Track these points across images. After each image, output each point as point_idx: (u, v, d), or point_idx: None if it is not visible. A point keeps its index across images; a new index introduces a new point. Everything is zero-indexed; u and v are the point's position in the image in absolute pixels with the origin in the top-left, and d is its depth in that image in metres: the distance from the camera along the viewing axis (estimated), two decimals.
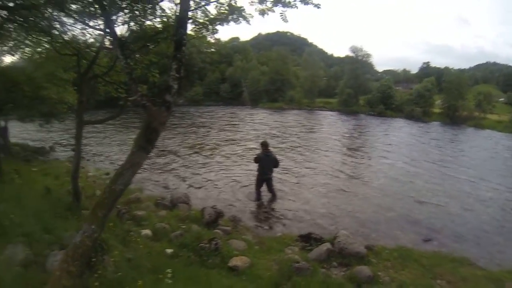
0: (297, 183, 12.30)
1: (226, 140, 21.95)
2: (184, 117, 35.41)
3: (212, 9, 5.33)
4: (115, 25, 5.02)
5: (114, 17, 4.99)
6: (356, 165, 16.29)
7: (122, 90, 7.73)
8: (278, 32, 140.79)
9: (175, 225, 6.85)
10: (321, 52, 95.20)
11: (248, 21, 5.23)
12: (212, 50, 68.54)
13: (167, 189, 11.26)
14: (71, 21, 6.04)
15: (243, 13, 5.15)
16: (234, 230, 7.52)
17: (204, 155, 16.84)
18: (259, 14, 4.85)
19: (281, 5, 4.61)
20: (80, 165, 13.56)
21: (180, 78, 3.71)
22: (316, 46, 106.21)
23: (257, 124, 32.03)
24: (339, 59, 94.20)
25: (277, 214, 9.28)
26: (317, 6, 4.53)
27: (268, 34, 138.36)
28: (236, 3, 5.05)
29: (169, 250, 5.46)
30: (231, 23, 5.43)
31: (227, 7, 5.12)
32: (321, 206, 10.03)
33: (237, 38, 78.93)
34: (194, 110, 44.77)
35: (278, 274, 5.07)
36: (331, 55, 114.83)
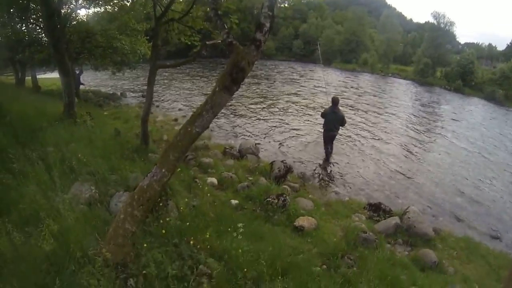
0: (364, 149, 11.53)
1: (296, 96, 21.29)
2: (258, 69, 34.98)
3: None
4: None
5: None
6: (426, 142, 14.55)
7: (197, 38, 7.49)
8: None
9: (242, 175, 6.70)
10: (400, 16, 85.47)
11: None
12: (286, 5, 66.09)
13: (236, 138, 11.18)
14: None
15: None
16: (302, 188, 7.30)
17: (276, 109, 16.51)
18: None
19: None
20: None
21: (273, 16, 3.26)
22: (394, 9, 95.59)
23: (329, 84, 30.02)
24: (418, 25, 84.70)
25: (346, 177, 8.86)
26: None
27: None
28: None
29: (234, 201, 5.29)
30: None
31: None
32: (388, 177, 9.40)
33: None
34: (267, 63, 43.76)
35: (344, 241, 4.80)
36: (410, 20, 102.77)
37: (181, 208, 4.09)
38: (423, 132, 16.33)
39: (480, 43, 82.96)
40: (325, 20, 61.30)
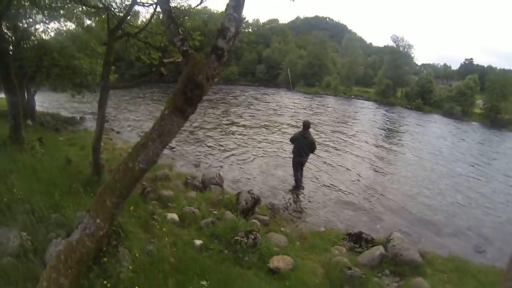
0: (335, 172, 11.24)
1: (261, 121, 20.99)
2: (219, 95, 34.80)
3: None
4: None
5: None
6: (395, 159, 14.86)
7: (157, 56, 6.90)
8: (317, 16, 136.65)
9: (206, 210, 5.96)
10: (360, 40, 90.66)
11: None
12: (249, 30, 67.93)
13: (198, 167, 10.49)
14: None
15: None
16: (273, 220, 6.65)
17: (239, 135, 15.94)
18: None
19: None
20: (108, 136, 13.37)
21: (239, 20, 2.71)
22: (355, 33, 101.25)
23: (296, 107, 30.45)
24: (377, 48, 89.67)
25: (318, 204, 8.33)
26: None
27: (306, 18, 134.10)
28: None
29: (198, 241, 4.59)
30: None
31: None
32: (363, 200, 9.06)
33: (275, 20, 76.18)
34: (228, 88, 43.91)
35: (328, 281, 4.16)
36: (370, 44, 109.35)
37: (136, 254, 3.43)
38: (388, 150, 16.70)
39: (436, 64, 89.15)
40: (288, 44, 63.16)
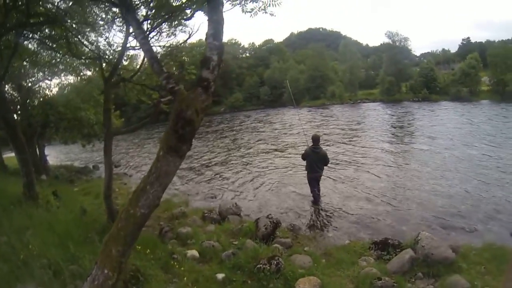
0: (351, 182, 11.05)
1: (271, 143, 21.05)
2: (225, 124, 35.13)
3: None
4: None
5: None
6: (410, 156, 14.58)
7: (157, 95, 7.12)
8: (310, 29, 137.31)
9: (226, 241, 5.93)
10: (356, 43, 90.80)
11: None
12: (247, 55, 69.29)
13: (215, 199, 10.49)
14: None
15: None
16: (295, 241, 6.52)
17: (251, 161, 15.90)
18: None
19: None
20: (122, 181, 13.58)
21: (221, 47, 2.73)
22: (350, 38, 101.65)
23: (302, 123, 30.44)
24: (374, 48, 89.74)
25: (339, 218, 8.17)
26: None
27: (300, 33, 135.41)
28: None
29: (220, 275, 4.53)
30: None
31: None
32: (383, 204, 8.85)
33: (271, 40, 77.56)
34: (234, 115, 44.31)
35: None
36: (367, 45, 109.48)
37: None
38: (401, 148, 16.51)
39: (435, 50, 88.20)
40: (287, 62, 63.72)
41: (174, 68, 6.83)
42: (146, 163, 17.86)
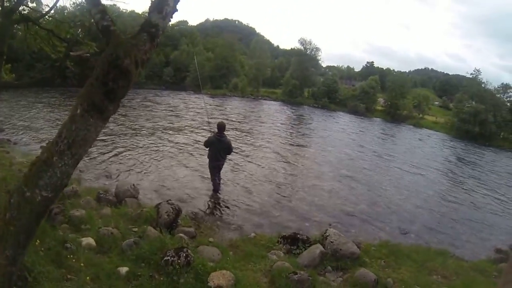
0: (250, 173, 11.12)
1: (172, 124, 20.15)
2: (126, 99, 32.37)
3: None
4: None
5: None
6: (306, 155, 15.66)
7: (62, 48, 5.78)
8: (226, 19, 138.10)
9: (125, 228, 5.06)
10: (268, 43, 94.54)
11: None
12: None
13: (111, 178, 9.32)
14: None
15: None
16: (198, 231, 6.03)
17: (149, 140, 14.80)
18: None
19: None
20: (4, 149, 11.05)
21: None
22: (263, 36, 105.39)
23: (207, 108, 30.01)
24: (284, 51, 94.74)
25: (241, 208, 8.06)
26: None
27: (216, 21, 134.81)
28: None
29: (123, 269, 3.76)
30: None
31: None
32: (284, 200, 9.13)
33: (185, 22, 74.66)
34: (135, 92, 41.56)
35: None
36: (277, 47, 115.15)
37: None
38: (298, 146, 17.77)
39: (340, 66, 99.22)
40: (196, 46, 62.33)
41: None
42: (35, 130, 14.90)
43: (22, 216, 1.81)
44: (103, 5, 2.15)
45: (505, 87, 48.10)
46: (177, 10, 2.21)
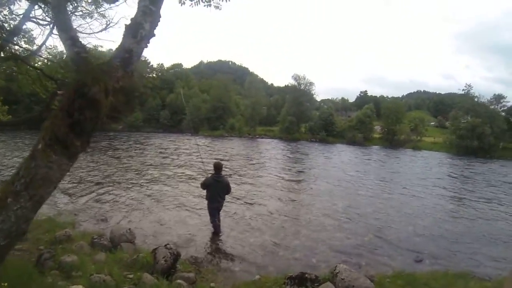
0: (250, 213, 10.71)
1: (168, 166, 20.08)
2: (125, 143, 33.55)
3: None
4: None
5: None
6: (309, 191, 15.22)
7: (54, 87, 5.71)
8: (220, 61, 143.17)
9: (119, 275, 4.72)
10: (262, 81, 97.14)
11: None
12: (154, 75, 67.83)
13: (106, 222, 9.08)
14: None
15: None
16: (199, 276, 5.67)
17: (146, 183, 14.63)
18: None
19: None
20: None
21: (158, 16, 1.99)
22: (257, 76, 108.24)
23: (200, 150, 30.14)
24: (279, 88, 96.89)
25: (243, 250, 7.66)
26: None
27: (210, 63, 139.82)
28: None
29: None
30: None
31: None
32: (288, 238, 8.68)
33: (179, 65, 77.53)
34: (133, 136, 41.94)
35: None
36: (271, 85, 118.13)
37: None
38: (299, 182, 17.31)
39: (335, 98, 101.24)
40: (191, 89, 64.14)
41: None
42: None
43: None
44: (75, 30, 2.05)
45: (497, 97, 49.46)
46: (154, 35, 2.08)
